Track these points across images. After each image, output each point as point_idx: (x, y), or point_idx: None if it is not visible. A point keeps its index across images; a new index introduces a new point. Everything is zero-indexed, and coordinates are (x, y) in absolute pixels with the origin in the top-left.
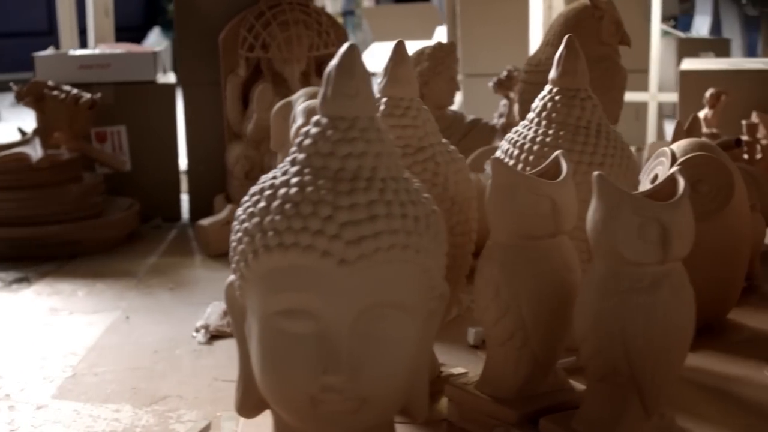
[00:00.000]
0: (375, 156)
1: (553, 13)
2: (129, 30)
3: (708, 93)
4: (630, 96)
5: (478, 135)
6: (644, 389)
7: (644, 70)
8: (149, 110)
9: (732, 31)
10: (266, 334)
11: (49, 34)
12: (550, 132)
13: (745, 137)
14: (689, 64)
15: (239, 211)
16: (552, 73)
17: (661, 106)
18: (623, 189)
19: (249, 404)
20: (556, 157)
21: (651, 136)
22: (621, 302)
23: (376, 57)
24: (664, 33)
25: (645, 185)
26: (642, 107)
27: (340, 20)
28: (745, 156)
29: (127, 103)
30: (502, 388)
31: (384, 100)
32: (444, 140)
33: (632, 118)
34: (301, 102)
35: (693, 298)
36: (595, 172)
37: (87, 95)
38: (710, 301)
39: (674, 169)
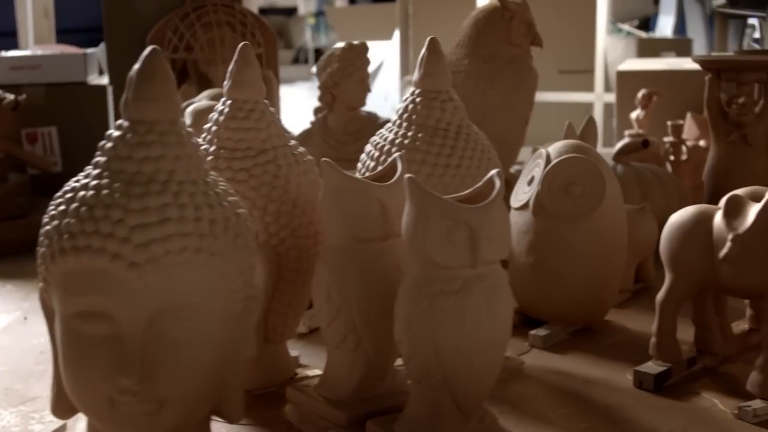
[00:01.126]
0: (173, 159)
1: None
2: (97, 31)
3: (640, 94)
4: (577, 96)
5: None
6: (458, 392)
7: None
8: (81, 111)
9: (696, 30)
10: (66, 337)
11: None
12: (410, 134)
13: (670, 138)
14: (628, 64)
15: (45, 214)
16: (414, 75)
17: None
18: (432, 192)
19: (61, 405)
20: (394, 160)
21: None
22: (431, 306)
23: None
24: (627, 33)
25: (522, 187)
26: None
27: (311, 21)
28: (671, 157)
29: (59, 104)
30: (337, 390)
31: (228, 102)
32: (293, 142)
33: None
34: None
35: (510, 302)
36: (407, 175)
37: (10, 96)
38: (585, 303)
39: (493, 172)
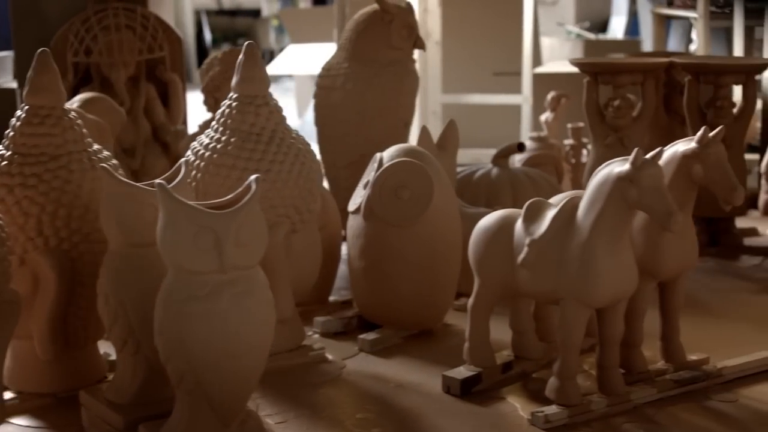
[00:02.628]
0: None
1: (429, 16)
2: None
3: (549, 96)
4: (506, 99)
5: None
6: (213, 397)
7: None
8: None
9: (649, 31)
10: None
11: None
12: (223, 138)
13: (570, 141)
14: (545, 67)
15: None
16: (233, 81)
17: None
18: (179, 198)
19: None
20: (179, 165)
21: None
22: (180, 311)
23: (291, 59)
24: (577, 35)
25: (359, 191)
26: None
27: (275, 22)
28: (573, 160)
29: None
30: (120, 393)
31: (25, 108)
32: (94, 147)
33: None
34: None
35: (266, 306)
36: (156, 181)
37: None
38: (416, 307)
39: (252, 178)
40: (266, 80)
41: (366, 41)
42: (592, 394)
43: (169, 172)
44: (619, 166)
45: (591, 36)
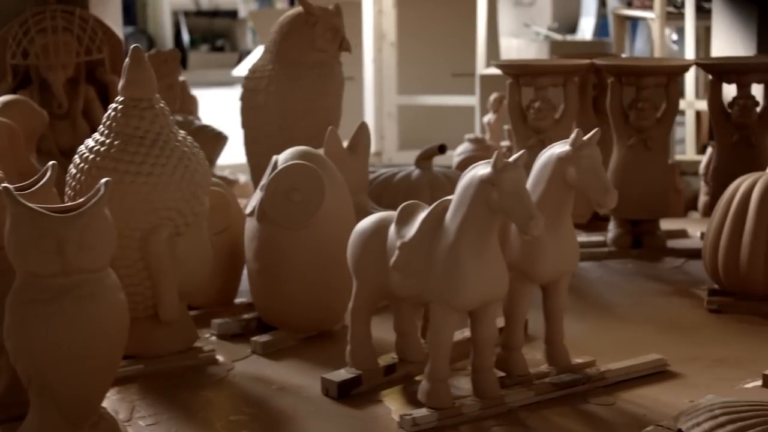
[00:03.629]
0: None
1: (383, 17)
2: None
3: (491, 98)
4: (460, 100)
5: (201, 141)
6: (59, 400)
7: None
8: None
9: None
10: None
11: None
12: (107, 141)
13: (506, 143)
14: (492, 69)
15: None
16: (120, 84)
17: None
18: (23, 202)
19: None
20: (47, 168)
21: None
22: (24, 314)
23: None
24: (545, 36)
25: (257, 193)
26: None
27: (252, 23)
28: None
29: None
30: None
31: None
32: None
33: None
34: None
35: (115, 309)
36: (2, 186)
37: None
38: (310, 310)
39: (102, 182)
40: (152, 83)
41: (290, 43)
42: (466, 397)
43: (37, 175)
44: (483, 168)
45: (558, 37)
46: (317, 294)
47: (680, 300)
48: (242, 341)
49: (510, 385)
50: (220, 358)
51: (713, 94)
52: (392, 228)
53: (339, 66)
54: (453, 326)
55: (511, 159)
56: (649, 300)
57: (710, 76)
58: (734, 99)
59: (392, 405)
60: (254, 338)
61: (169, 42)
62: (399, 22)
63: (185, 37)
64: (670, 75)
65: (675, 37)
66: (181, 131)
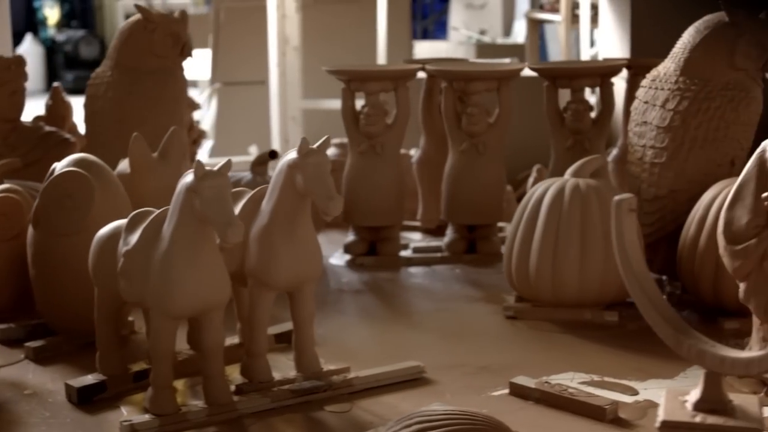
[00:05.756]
0: None
1: (287, 21)
2: None
3: None
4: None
5: (49, 146)
6: None
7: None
8: None
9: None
10: None
11: None
12: None
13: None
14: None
15: None
16: None
17: None
18: None
19: None
20: None
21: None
22: None
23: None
24: (477, 40)
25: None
26: None
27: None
28: None
29: None
30: None
31: None
32: None
33: None
34: None
35: None
36: None
37: None
38: (90, 314)
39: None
40: None
41: (128, 49)
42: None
43: None
44: (189, 176)
45: (487, 40)
46: (91, 299)
47: (485, 306)
48: (21, 347)
49: (248, 391)
50: None
51: (549, 99)
52: (123, 235)
53: (181, 72)
54: (171, 333)
55: (216, 167)
56: (453, 306)
57: (546, 82)
58: (567, 104)
59: (130, 411)
60: (27, 343)
61: None
62: (303, 26)
63: None
64: (603, 76)
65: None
66: None
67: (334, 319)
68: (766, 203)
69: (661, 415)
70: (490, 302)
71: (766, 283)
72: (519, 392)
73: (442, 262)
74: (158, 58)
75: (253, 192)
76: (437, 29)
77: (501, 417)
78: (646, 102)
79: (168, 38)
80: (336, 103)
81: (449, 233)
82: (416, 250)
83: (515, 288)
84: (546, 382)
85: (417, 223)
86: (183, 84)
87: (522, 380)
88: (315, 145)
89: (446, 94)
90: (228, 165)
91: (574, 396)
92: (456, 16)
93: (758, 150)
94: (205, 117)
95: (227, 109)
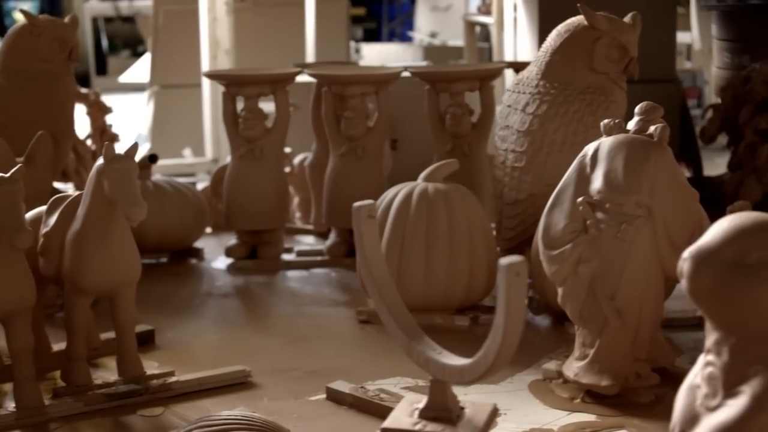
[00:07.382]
0: None
1: (217, 24)
2: None
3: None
4: None
5: None
6: None
7: None
8: None
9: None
10: None
11: None
12: None
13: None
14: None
15: None
16: None
17: None
18: None
19: None
20: None
21: None
22: None
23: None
24: (428, 43)
25: None
26: None
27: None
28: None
29: None
30: None
31: None
32: None
33: None
34: None
35: None
36: None
37: None
38: None
39: None
40: None
41: (14, 53)
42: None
43: None
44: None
45: (436, 42)
46: None
47: (344, 311)
48: None
49: (63, 395)
50: None
51: (430, 103)
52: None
53: (69, 77)
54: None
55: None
56: (312, 310)
57: (426, 86)
58: (446, 108)
59: None
60: None
61: (88, 47)
62: (235, 29)
63: (104, 42)
64: (483, 80)
65: None
66: None
67: (188, 324)
68: (580, 208)
69: (385, 421)
70: (351, 306)
71: (581, 288)
72: (334, 397)
73: (322, 266)
74: (45, 63)
75: (73, 196)
76: (404, 31)
77: (310, 421)
78: (509, 106)
79: (54, 43)
80: (269, 106)
81: (331, 236)
82: (299, 253)
83: (366, 292)
84: (361, 387)
85: (310, 227)
86: (71, 89)
87: (338, 385)
88: (122, 151)
89: (326, 98)
90: (134, 148)
91: (383, 402)
92: (422, 19)
93: (579, 155)
94: (143, 120)
95: (164, 112)
